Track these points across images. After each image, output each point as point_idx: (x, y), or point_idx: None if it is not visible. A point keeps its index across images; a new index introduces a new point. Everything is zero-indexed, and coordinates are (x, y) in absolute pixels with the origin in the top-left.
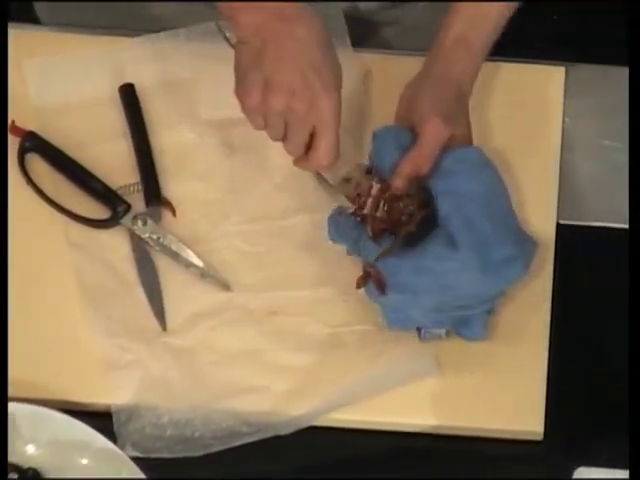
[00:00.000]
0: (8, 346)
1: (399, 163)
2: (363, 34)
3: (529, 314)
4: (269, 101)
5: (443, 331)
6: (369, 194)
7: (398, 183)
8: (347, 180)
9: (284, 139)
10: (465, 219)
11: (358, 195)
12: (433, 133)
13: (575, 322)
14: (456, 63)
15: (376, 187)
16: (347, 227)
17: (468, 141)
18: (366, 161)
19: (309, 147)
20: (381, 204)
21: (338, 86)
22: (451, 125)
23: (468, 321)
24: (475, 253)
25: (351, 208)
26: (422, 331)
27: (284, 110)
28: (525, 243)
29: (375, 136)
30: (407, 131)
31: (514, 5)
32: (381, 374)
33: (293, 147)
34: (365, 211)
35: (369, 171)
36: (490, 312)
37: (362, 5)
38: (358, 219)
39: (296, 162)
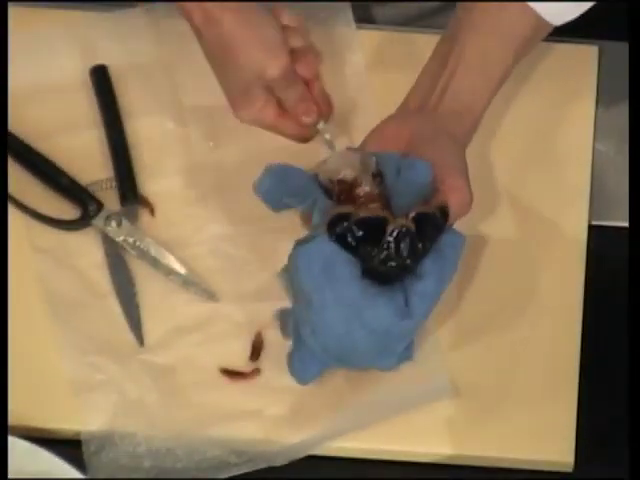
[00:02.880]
0: None
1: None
2: (366, 12)
3: (558, 326)
4: (267, 74)
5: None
6: (363, 195)
7: None
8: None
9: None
10: (429, 309)
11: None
12: (461, 205)
13: (610, 337)
14: (460, 125)
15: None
16: (295, 177)
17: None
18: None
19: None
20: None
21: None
22: (472, 195)
23: (311, 363)
24: (403, 338)
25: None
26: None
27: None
28: (409, 349)
29: (412, 166)
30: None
31: (517, 55)
32: (388, 397)
33: (304, 106)
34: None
35: (375, 175)
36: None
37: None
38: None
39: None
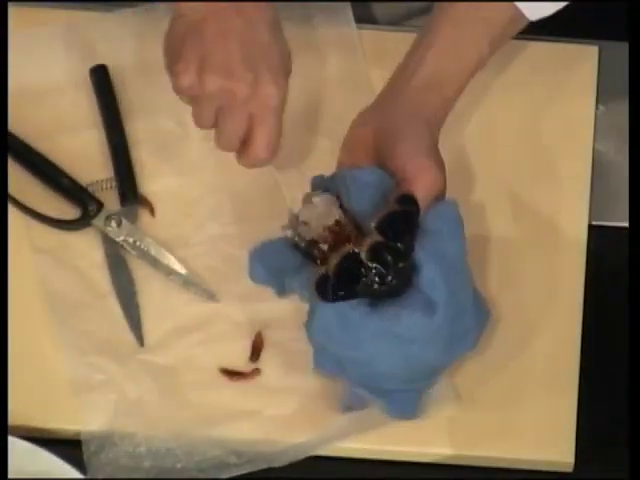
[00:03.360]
0: None
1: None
2: (366, 12)
3: (559, 328)
4: (204, 80)
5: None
6: (336, 231)
7: None
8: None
9: (215, 127)
10: (449, 288)
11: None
12: (430, 183)
13: (611, 338)
14: (429, 106)
15: (346, 225)
16: (279, 257)
17: (444, 194)
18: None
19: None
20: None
21: (287, 72)
22: (444, 175)
23: (400, 398)
24: (448, 325)
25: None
26: (344, 405)
27: (220, 92)
28: (480, 312)
29: (355, 179)
30: (389, 176)
31: (492, 46)
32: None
33: (225, 138)
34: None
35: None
36: (429, 387)
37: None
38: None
39: (236, 158)
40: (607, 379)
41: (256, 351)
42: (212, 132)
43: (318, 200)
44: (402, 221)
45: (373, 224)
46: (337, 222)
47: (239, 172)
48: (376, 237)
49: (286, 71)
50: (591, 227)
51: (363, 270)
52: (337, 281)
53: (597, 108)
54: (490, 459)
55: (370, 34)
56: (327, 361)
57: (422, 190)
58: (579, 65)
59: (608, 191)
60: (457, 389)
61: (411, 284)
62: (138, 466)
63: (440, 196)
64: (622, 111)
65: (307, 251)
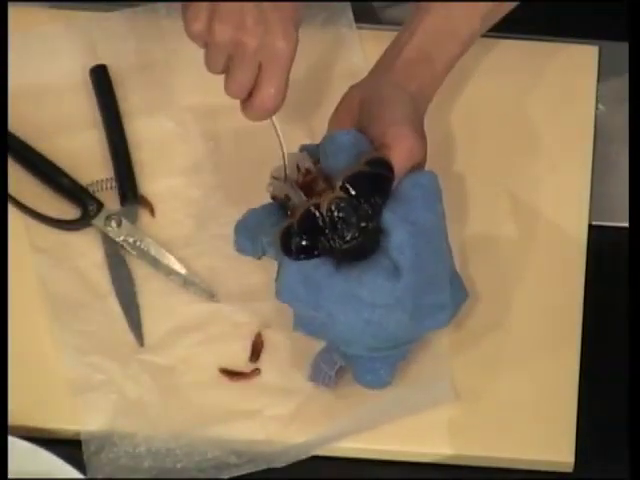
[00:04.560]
0: None
1: None
2: (366, 12)
3: (558, 328)
4: (214, 30)
5: (333, 372)
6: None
7: None
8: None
9: (226, 73)
10: (417, 255)
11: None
12: (407, 152)
13: (611, 338)
14: (417, 79)
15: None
16: (260, 219)
17: (422, 166)
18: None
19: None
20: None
21: (298, 23)
22: (424, 146)
23: (372, 366)
24: (412, 293)
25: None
26: (315, 371)
27: (230, 43)
28: (457, 292)
29: (330, 140)
30: (366, 139)
31: (485, 21)
32: (389, 399)
33: (235, 85)
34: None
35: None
36: (400, 359)
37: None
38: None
39: (241, 109)
40: (607, 379)
41: (256, 351)
42: (212, 132)
43: (292, 156)
44: (368, 181)
45: (339, 183)
46: (307, 171)
47: (239, 172)
48: (339, 193)
49: (297, 21)
50: (591, 227)
51: (322, 223)
52: (298, 233)
53: (597, 108)
54: (490, 459)
55: (370, 34)
56: (303, 322)
57: (398, 157)
58: (579, 65)
59: (608, 191)
60: (457, 389)
61: (380, 249)
62: (138, 466)
63: (419, 167)
64: (622, 111)
65: (282, 207)
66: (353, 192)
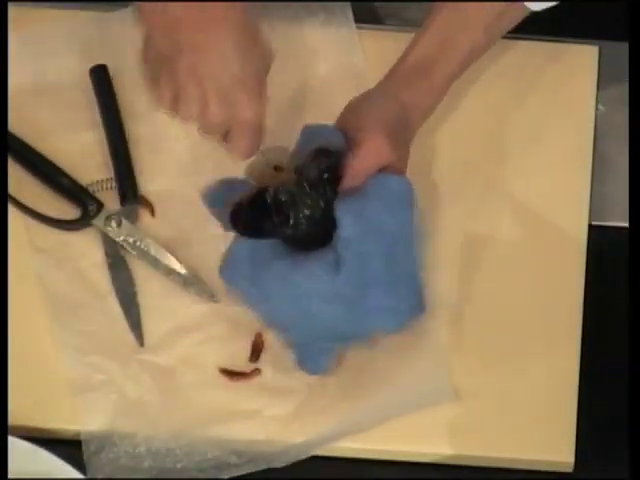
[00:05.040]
0: None
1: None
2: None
3: (558, 328)
4: (180, 109)
5: None
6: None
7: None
8: (278, 169)
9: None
10: (362, 252)
11: None
12: (373, 152)
13: (611, 338)
14: (412, 88)
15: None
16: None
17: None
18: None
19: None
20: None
21: (264, 75)
22: (394, 151)
23: (312, 353)
24: (352, 290)
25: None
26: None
27: (197, 118)
28: (412, 302)
29: (307, 130)
30: (340, 133)
31: (488, 33)
32: (389, 398)
33: (206, 135)
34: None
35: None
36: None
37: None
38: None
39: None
40: (607, 379)
41: (256, 351)
42: None
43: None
44: (317, 170)
45: (292, 169)
46: (275, 167)
47: (239, 172)
48: (290, 179)
49: (262, 83)
50: (591, 227)
51: (270, 205)
52: (246, 210)
53: (597, 108)
54: (490, 459)
55: (370, 34)
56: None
57: (362, 155)
58: (579, 65)
59: (608, 191)
60: (456, 389)
61: (332, 242)
62: (138, 466)
63: (389, 170)
64: (622, 111)
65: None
66: (302, 180)
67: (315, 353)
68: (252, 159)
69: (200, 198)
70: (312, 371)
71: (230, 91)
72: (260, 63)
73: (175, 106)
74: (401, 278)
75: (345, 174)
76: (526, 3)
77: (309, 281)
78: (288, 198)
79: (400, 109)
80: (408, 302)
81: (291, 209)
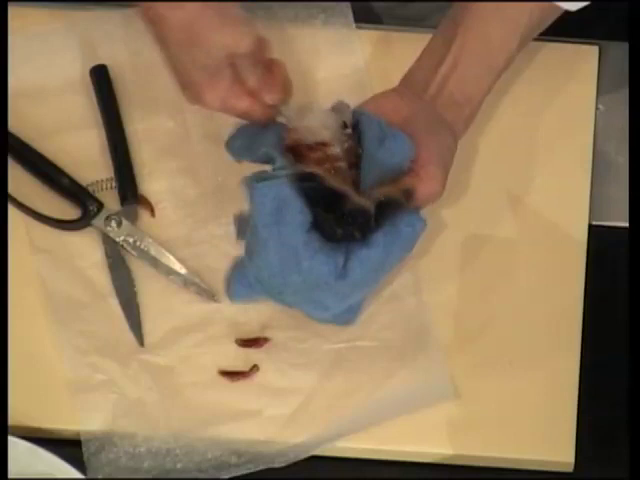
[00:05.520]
0: None
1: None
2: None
3: (558, 328)
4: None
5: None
6: (324, 150)
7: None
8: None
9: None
10: (367, 276)
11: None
12: (430, 192)
13: (611, 338)
14: (459, 119)
15: (335, 153)
16: (260, 136)
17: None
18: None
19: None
20: (326, 166)
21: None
22: (445, 185)
23: (246, 285)
24: (339, 298)
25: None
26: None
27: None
28: (350, 312)
29: (387, 133)
30: (412, 149)
31: (520, 47)
32: (390, 398)
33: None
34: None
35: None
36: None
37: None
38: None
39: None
40: (607, 379)
41: (252, 342)
42: (212, 132)
43: (325, 114)
44: (394, 208)
45: (379, 198)
46: (323, 143)
47: (239, 172)
48: (367, 205)
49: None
50: (591, 227)
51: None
52: (322, 191)
53: (597, 108)
54: (490, 459)
55: (370, 34)
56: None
57: (423, 194)
58: (579, 65)
59: (608, 191)
60: (457, 389)
61: (347, 246)
62: (138, 466)
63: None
64: (622, 111)
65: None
66: (380, 211)
67: (245, 286)
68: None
69: (225, 148)
70: (233, 297)
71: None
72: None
73: (224, 103)
74: (359, 296)
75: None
76: (561, 3)
77: (310, 271)
78: (363, 223)
79: (454, 139)
80: (346, 311)
81: (359, 230)
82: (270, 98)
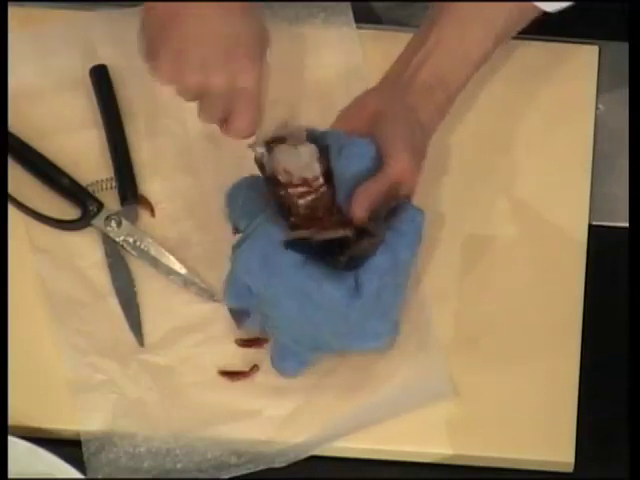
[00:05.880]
0: None
1: (357, 192)
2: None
3: (559, 327)
4: (182, 76)
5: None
6: (309, 183)
7: (358, 214)
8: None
9: (198, 103)
10: (383, 283)
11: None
12: (400, 174)
13: (611, 338)
14: (430, 104)
15: (319, 182)
16: (252, 200)
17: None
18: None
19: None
20: (310, 198)
21: (263, 53)
22: (419, 169)
23: (289, 356)
24: (360, 317)
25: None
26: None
27: (200, 86)
28: (393, 330)
29: (354, 145)
30: (379, 155)
31: (497, 42)
32: (390, 397)
33: (206, 116)
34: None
35: (322, 158)
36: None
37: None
38: (275, 193)
39: (220, 129)
40: (607, 379)
41: (252, 342)
42: (212, 132)
43: (304, 150)
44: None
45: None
46: (314, 178)
47: (239, 172)
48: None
49: (262, 52)
50: (591, 227)
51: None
52: (318, 246)
53: (597, 108)
54: (490, 459)
55: (370, 34)
56: (240, 292)
57: (389, 174)
58: (579, 65)
59: (608, 191)
60: (457, 389)
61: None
62: (138, 466)
63: (409, 187)
64: (622, 111)
65: (268, 180)
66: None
67: (292, 356)
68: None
69: (225, 198)
70: (284, 372)
71: (232, 54)
72: (261, 32)
73: (175, 75)
74: (394, 306)
75: (373, 187)
76: (539, 4)
77: (324, 298)
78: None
79: (422, 126)
80: (392, 329)
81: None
82: (226, 134)
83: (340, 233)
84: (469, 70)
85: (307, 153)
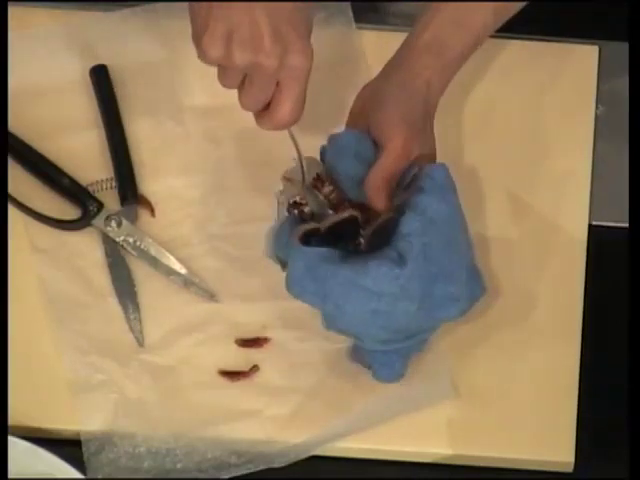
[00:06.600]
0: None
1: (366, 186)
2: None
3: (559, 326)
4: (232, 55)
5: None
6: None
7: (379, 205)
8: (288, 180)
9: (240, 89)
10: (425, 245)
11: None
12: (401, 150)
13: (611, 338)
14: (423, 70)
15: (329, 189)
16: (284, 235)
17: (433, 161)
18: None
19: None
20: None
21: (310, 34)
22: (418, 143)
23: (386, 360)
24: (419, 283)
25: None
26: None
27: (249, 66)
28: (473, 286)
29: (332, 141)
30: (367, 138)
31: (497, 15)
32: (390, 397)
33: (250, 100)
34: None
35: (318, 177)
36: (415, 350)
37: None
38: (294, 216)
39: (256, 119)
40: (607, 379)
41: (253, 342)
42: (212, 132)
43: (302, 161)
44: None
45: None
46: (317, 176)
47: (239, 172)
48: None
49: (309, 33)
50: (591, 227)
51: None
52: (330, 234)
53: (597, 108)
54: (490, 459)
55: (370, 34)
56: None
57: (388, 156)
58: (579, 65)
59: (608, 191)
60: (457, 389)
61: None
62: (138, 466)
63: (429, 159)
64: (622, 111)
65: (289, 212)
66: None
67: (389, 359)
68: (286, 182)
69: (269, 236)
70: (389, 378)
71: (282, 32)
72: (307, 13)
73: (224, 55)
74: (461, 263)
75: (377, 175)
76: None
77: (376, 281)
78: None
79: (418, 96)
80: (469, 287)
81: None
82: (263, 124)
83: (345, 215)
84: (468, 39)
85: (304, 162)
